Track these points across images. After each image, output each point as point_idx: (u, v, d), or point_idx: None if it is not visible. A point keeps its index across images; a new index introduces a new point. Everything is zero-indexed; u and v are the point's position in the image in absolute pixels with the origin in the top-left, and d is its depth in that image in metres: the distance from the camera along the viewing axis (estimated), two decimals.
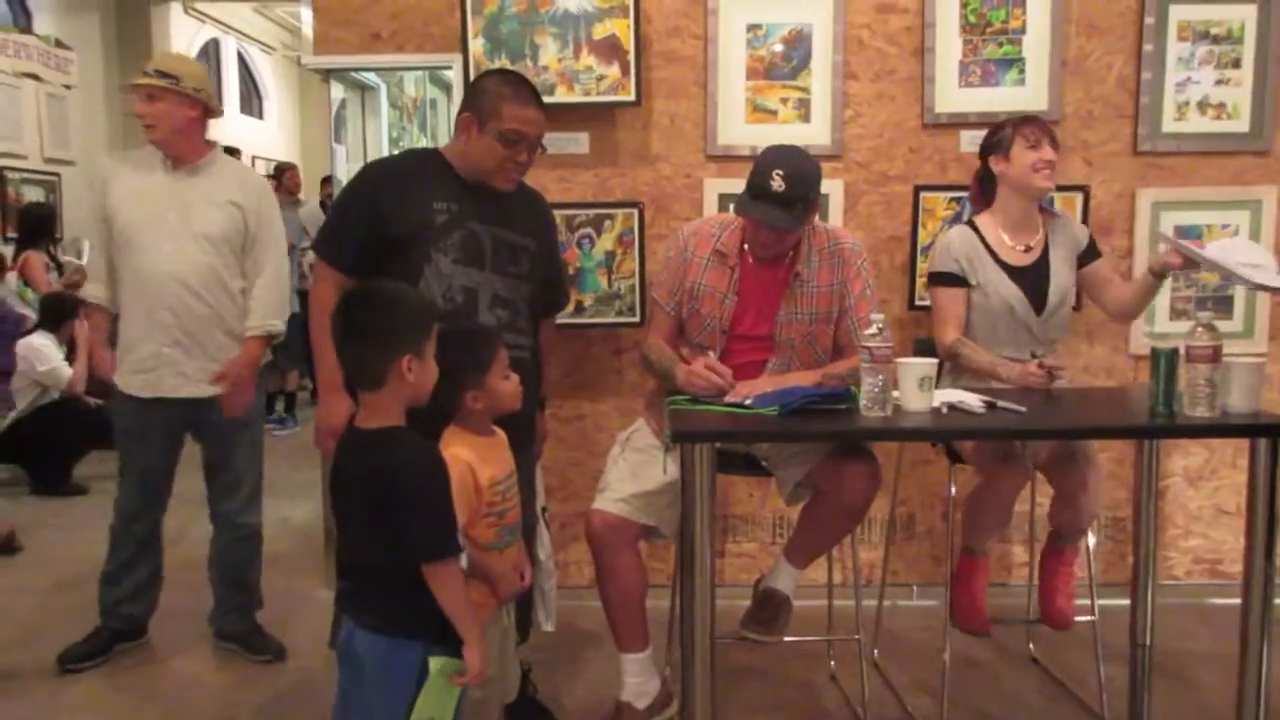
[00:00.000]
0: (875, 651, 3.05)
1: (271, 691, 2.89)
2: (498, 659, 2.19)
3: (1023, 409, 2.08)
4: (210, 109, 2.96)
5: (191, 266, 2.87)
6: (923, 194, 3.33)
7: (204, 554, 3.18)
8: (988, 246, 2.72)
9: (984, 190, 2.84)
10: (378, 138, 5.00)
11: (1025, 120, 2.73)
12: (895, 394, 2.11)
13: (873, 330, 2.07)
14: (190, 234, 2.88)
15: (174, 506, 3.13)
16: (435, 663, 1.78)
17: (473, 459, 2.02)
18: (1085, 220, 3.30)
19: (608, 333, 3.43)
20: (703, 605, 2.03)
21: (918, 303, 3.35)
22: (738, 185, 3.33)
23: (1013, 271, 2.70)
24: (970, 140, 3.37)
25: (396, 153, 3.42)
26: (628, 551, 2.53)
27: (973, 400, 2.14)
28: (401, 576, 1.77)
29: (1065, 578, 2.70)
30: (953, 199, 3.32)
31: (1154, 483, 2.56)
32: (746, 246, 2.55)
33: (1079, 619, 2.75)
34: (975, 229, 2.76)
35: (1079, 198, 3.33)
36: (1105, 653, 2.74)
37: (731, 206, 2.62)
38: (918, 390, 2.08)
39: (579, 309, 3.32)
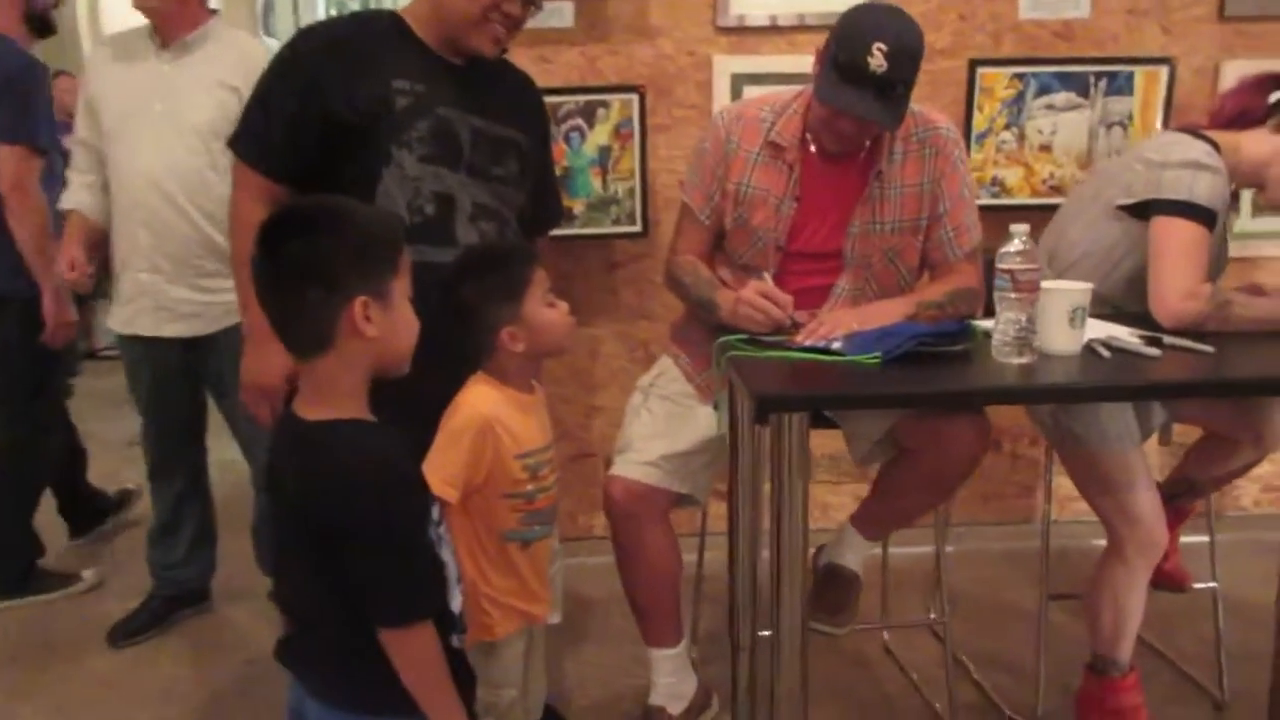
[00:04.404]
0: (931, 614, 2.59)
1: None
2: (520, 675, 1.72)
3: (1209, 348, 1.55)
4: None
5: (171, 169, 2.32)
6: (979, 69, 2.77)
7: None
8: None
9: (1242, 115, 1.94)
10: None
11: None
12: None
13: (1015, 246, 1.52)
14: (175, 128, 2.31)
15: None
16: None
17: (499, 414, 1.56)
18: (1169, 101, 2.79)
19: (602, 244, 2.86)
20: (792, 598, 1.53)
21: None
22: (753, 64, 2.80)
23: None
24: (1031, 4, 2.81)
25: (339, 14, 2.74)
26: (657, 526, 2.02)
27: (1128, 335, 1.62)
28: (354, 632, 1.24)
29: (1175, 534, 2.28)
30: (1015, 75, 2.77)
31: None
32: (809, 136, 1.96)
33: None
34: (1217, 149, 1.85)
35: (1163, 73, 2.79)
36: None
37: (784, 87, 2.02)
38: (1068, 326, 1.55)
39: (568, 217, 2.73)
